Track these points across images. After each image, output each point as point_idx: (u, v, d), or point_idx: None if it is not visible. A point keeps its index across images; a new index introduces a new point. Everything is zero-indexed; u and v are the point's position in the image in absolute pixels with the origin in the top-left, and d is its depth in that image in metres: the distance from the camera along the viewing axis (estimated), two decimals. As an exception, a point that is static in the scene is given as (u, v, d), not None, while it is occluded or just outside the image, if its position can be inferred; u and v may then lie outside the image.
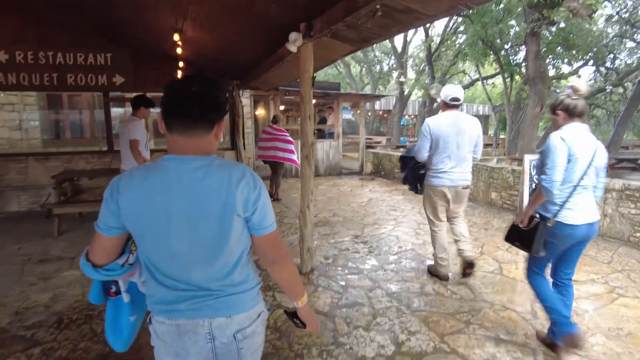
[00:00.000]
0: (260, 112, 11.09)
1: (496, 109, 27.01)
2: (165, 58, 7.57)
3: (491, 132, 31.77)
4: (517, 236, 2.69)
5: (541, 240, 2.53)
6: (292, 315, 1.49)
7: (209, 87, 1.20)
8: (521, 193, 5.48)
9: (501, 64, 13.68)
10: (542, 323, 3.07)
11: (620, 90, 19.06)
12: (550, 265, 2.76)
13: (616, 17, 16.90)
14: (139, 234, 1.22)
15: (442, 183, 3.69)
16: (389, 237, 5.30)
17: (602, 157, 2.51)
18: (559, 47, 13.52)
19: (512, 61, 13.48)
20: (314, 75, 3.81)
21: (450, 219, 3.94)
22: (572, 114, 2.49)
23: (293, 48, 3.69)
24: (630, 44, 18.87)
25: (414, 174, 3.95)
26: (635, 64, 17.87)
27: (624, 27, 16.73)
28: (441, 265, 3.87)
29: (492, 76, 19.21)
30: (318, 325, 1.51)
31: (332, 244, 5.01)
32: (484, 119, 32.50)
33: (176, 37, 5.09)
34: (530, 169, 5.39)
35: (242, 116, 8.57)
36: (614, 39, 17.87)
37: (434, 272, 3.96)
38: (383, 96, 14.24)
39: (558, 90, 19.86)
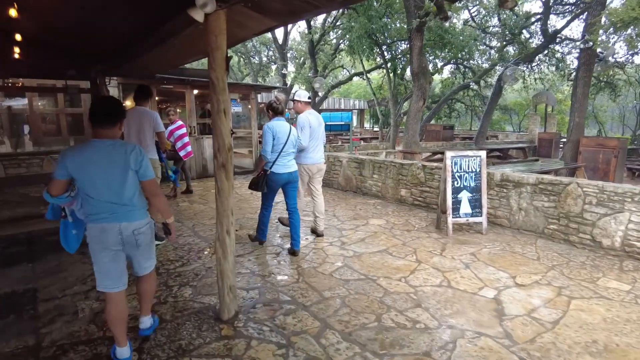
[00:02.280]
0: (128, 102, 9.28)
1: (370, 103, 28.32)
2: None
3: (367, 124, 33.43)
4: (253, 185, 4.29)
5: (264, 183, 4.18)
6: (164, 227, 2.69)
7: (115, 104, 2.45)
8: (443, 190, 5.24)
9: (384, 58, 13.97)
10: (523, 347, 2.66)
11: (475, 87, 21.32)
12: (272, 203, 4.54)
13: (471, 22, 18.80)
14: (81, 180, 2.33)
15: (311, 162, 4.86)
16: (317, 251, 4.56)
17: (294, 135, 4.28)
18: (433, 46, 14.31)
19: (395, 55, 13.83)
20: (229, 54, 2.81)
21: (312, 195, 5.05)
22: (275, 113, 4.30)
23: (199, 16, 2.64)
24: (481, 47, 21.24)
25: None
26: (487, 65, 20.18)
27: (477, 32, 18.63)
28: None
29: (369, 71, 19.79)
30: (175, 237, 2.77)
31: (251, 270, 4.06)
32: (359, 113, 33.96)
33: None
34: (451, 165, 5.16)
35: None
36: (471, 41, 19.92)
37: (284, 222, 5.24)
38: (275, 87, 13.37)
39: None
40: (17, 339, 2.82)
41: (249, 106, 11.01)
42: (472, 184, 5.21)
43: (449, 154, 5.14)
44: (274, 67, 30.20)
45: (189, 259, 4.34)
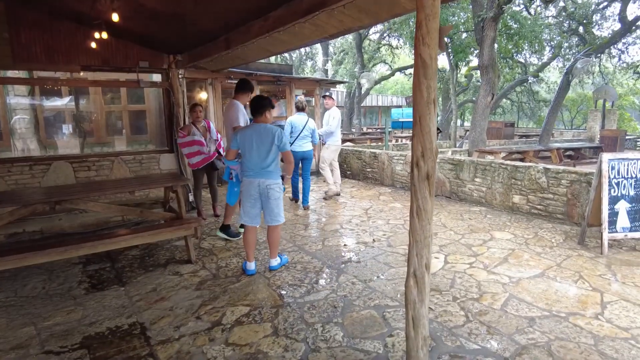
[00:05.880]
0: (202, 96, 8.57)
1: (408, 99, 27.21)
2: (64, 16, 5.03)
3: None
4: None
5: None
6: (282, 177, 3.82)
7: (263, 100, 3.73)
8: (593, 200, 4.36)
9: (448, 51, 13.02)
10: None
11: (533, 80, 20.04)
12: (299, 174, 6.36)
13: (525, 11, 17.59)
14: (243, 149, 3.66)
15: (340, 142, 7.28)
16: (461, 275, 3.76)
17: (311, 126, 6.10)
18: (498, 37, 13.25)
19: (460, 48, 12.77)
20: (448, 23, 2.03)
21: (333, 168, 7.08)
22: (297, 109, 6.21)
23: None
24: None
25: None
26: (545, 59, 18.92)
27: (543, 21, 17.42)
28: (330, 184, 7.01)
29: (411, 66, 18.78)
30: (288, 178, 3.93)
31: (388, 296, 3.29)
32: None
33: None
34: (608, 170, 4.28)
35: (182, 106, 6.27)
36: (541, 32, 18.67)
37: (328, 194, 6.98)
38: (341, 82, 12.61)
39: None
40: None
41: (314, 103, 10.26)
42: (632, 193, 4.31)
43: (605, 157, 4.26)
44: (309, 63, 29.47)
45: (311, 283, 3.61)
